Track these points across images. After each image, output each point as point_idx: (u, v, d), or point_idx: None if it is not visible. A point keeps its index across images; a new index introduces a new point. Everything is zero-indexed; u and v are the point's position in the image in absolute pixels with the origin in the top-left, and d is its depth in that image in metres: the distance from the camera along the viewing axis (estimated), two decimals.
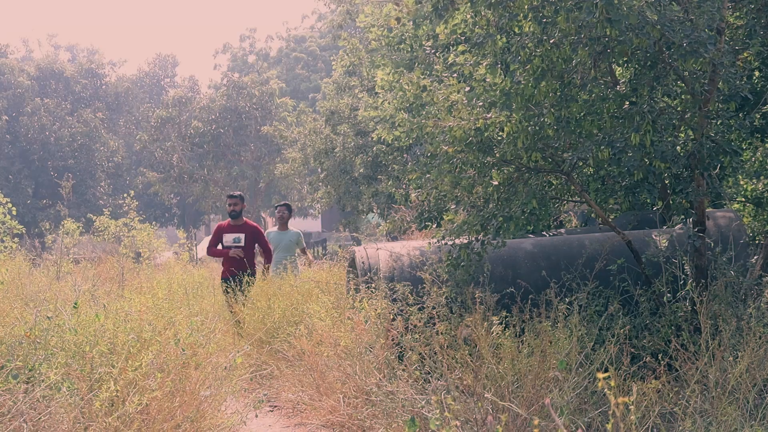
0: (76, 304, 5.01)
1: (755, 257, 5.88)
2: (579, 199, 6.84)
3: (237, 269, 8.49)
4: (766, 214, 7.57)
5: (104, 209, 18.24)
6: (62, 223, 13.34)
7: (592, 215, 7.59)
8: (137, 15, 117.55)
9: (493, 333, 4.62)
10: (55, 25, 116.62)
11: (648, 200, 6.90)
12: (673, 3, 5.07)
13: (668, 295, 5.43)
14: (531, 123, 5.38)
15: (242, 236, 8.58)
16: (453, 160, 5.76)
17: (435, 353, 4.63)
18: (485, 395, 3.76)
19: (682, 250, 5.68)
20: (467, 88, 5.71)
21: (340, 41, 16.50)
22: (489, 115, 5.49)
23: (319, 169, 17.64)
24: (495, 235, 5.67)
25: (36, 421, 3.71)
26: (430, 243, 6.21)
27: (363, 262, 6.28)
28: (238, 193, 9.12)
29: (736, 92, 5.13)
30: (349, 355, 5.24)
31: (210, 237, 8.99)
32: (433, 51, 8.47)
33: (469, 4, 5.50)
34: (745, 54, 5.65)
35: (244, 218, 8.79)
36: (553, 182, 6.65)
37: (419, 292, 5.52)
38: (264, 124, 32.82)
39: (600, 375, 2.52)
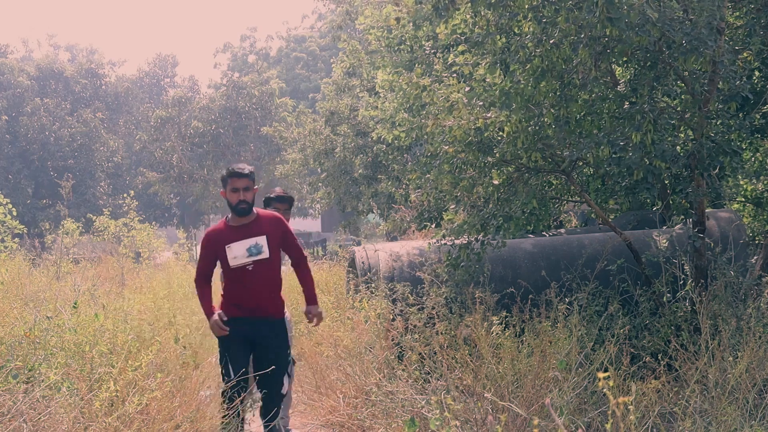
0: (75, 304, 5.01)
1: (755, 257, 5.89)
2: (579, 199, 6.85)
3: (255, 307, 4.68)
4: (766, 214, 7.57)
5: (104, 209, 18.24)
6: (62, 223, 13.34)
7: (592, 215, 7.59)
8: (137, 15, 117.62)
9: (493, 333, 4.62)
10: (54, 25, 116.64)
11: (648, 200, 6.91)
12: (674, 2, 5.07)
13: (668, 295, 5.43)
14: (531, 123, 5.38)
15: (262, 240, 4.64)
16: (453, 160, 5.76)
17: (435, 353, 4.63)
18: (485, 395, 3.76)
19: (682, 250, 5.68)
20: (467, 88, 5.71)
21: (340, 43, 16.51)
22: (489, 115, 5.49)
23: (319, 170, 17.64)
24: (495, 235, 5.68)
25: (36, 421, 3.71)
26: (429, 243, 6.21)
27: (363, 263, 6.28)
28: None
29: (736, 92, 5.14)
30: (349, 355, 5.24)
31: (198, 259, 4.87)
32: (433, 51, 8.47)
33: (469, 4, 5.50)
34: (745, 54, 5.65)
35: (255, 209, 4.76)
36: (553, 182, 6.66)
37: (419, 292, 5.52)
38: (264, 124, 32.84)
39: (600, 375, 2.51)
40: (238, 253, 4.59)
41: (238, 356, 4.57)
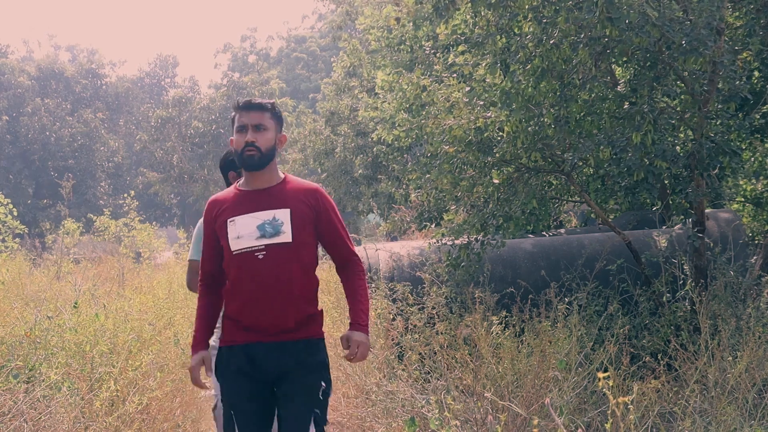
0: (76, 303, 5.02)
1: (755, 257, 5.89)
2: (579, 199, 6.85)
3: (268, 323, 2.92)
4: (765, 214, 7.58)
5: (104, 209, 18.25)
6: (62, 223, 13.37)
7: (592, 215, 7.60)
8: (137, 15, 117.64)
9: (493, 333, 4.63)
10: (55, 25, 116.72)
11: (648, 200, 6.92)
12: (673, 2, 5.08)
13: (668, 295, 5.43)
14: (531, 123, 5.39)
15: (283, 215, 2.93)
16: (453, 160, 5.77)
17: (435, 353, 4.64)
18: (485, 395, 3.77)
19: (682, 250, 5.68)
20: (467, 88, 5.71)
21: (340, 42, 16.53)
22: (489, 115, 5.50)
23: (319, 170, 17.64)
24: (495, 235, 5.68)
25: (36, 420, 3.71)
26: (429, 243, 6.22)
27: (363, 262, 6.28)
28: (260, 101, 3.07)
29: (735, 92, 5.14)
30: None
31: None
32: (433, 52, 8.48)
33: (469, 4, 5.51)
34: (745, 54, 5.66)
35: (285, 174, 3.10)
36: (553, 182, 6.66)
37: (419, 292, 5.53)
38: None
39: (600, 375, 2.52)
40: (243, 230, 2.91)
41: (248, 423, 2.91)
